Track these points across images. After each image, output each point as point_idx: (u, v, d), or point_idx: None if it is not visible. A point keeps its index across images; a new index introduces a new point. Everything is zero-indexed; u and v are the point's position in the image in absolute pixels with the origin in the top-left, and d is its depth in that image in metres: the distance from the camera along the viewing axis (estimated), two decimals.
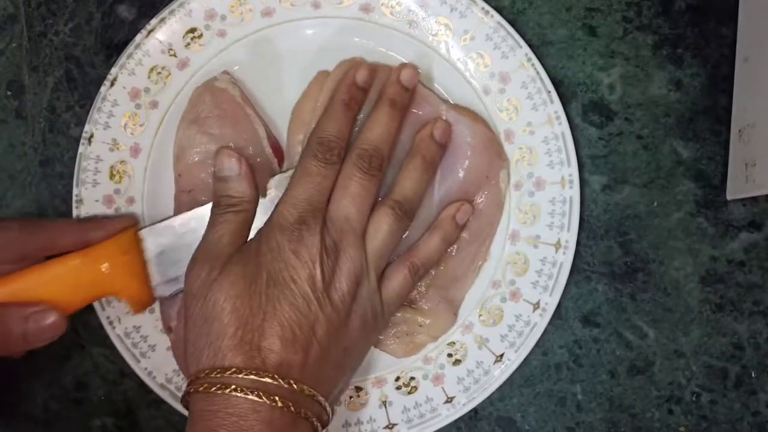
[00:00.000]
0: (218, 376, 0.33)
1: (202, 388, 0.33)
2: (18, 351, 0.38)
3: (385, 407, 0.41)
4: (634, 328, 0.42)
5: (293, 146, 0.41)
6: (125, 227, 0.39)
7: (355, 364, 0.39)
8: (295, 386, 0.33)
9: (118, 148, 0.42)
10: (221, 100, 0.41)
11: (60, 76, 0.44)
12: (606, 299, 0.43)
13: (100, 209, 0.42)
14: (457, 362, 0.41)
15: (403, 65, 0.40)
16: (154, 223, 0.40)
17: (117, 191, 0.42)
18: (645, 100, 0.43)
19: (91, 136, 0.42)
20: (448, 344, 0.42)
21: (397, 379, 0.42)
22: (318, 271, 0.35)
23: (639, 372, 0.42)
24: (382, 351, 0.42)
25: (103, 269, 0.38)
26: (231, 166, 0.38)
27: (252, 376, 0.33)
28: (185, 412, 0.42)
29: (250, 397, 0.32)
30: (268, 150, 0.41)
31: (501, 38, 0.41)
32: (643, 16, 0.43)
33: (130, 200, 0.42)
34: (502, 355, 0.41)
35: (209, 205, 0.39)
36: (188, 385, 0.34)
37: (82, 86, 0.44)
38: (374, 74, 0.40)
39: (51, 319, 0.37)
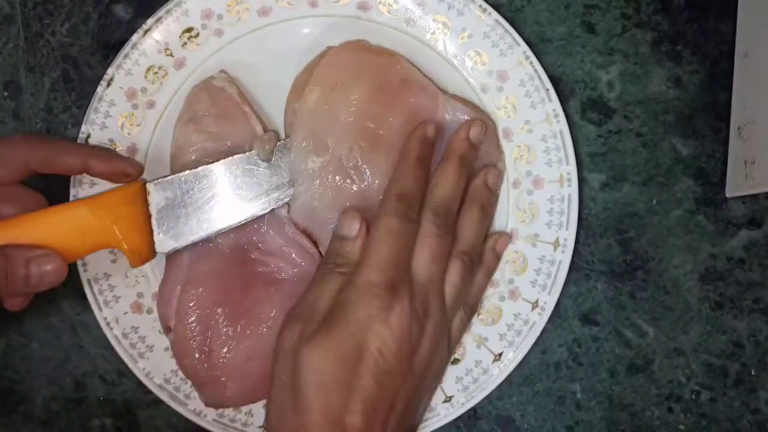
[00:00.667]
0: None
1: None
2: (18, 293, 0.37)
3: None
4: (634, 326, 0.42)
5: (289, 114, 0.42)
6: (126, 171, 0.39)
7: (420, 417, 0.40)
8: None
9: (115, 149, 0.42)
10: (218, 99, 0.41)
11: (57, 76, 0.44)
12: (605, 297, 0.42)
13: None
14: (455, 361, 0.41)
15: (471, 122, 0.40)
16: (161, 177, 0.40)
17: None
18: (644, 97, 0.43)
19: (88, 136, 0.42)
20: None
21: None
22: (406, 343, 0.35)
23: (638, 370, 0.42)
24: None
25: (107, 221, 0.38)
26: (351, 226, 0.37)
27: None
28: (184, 413, 0.42)
29: None
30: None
31: (499, 36, 0.41)
32: (641, 12, 0.43)
33: None
34: (500, 354, 0.41)
35: (216, 163, 0.40)
36: None
37: (79, 87, 0.44)
38: (441, 128, 0.40)
39: (53, 263, 0.37)
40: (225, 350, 0.40)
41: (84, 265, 0.42)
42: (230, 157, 0.40)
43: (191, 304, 0.40)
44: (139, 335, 0.42)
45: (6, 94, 0.45)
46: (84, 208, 0.38)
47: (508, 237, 0.41)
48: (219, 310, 0.40)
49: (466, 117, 0.41)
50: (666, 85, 0.42)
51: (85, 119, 0.42)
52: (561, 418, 0.43)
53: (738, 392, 0.42)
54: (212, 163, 0.40)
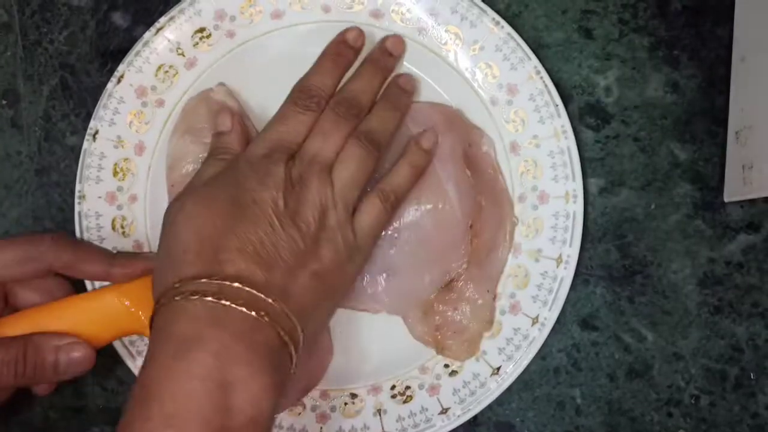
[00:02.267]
0: (177, 287, 0.33)
1: (164, 302, 0.33)
2: (47, 381, 0.38)
3: (380, 415, 0.41)
4: (633, 331, 0.42)
5: None
6: (151, 268, 0.39)
7: (331, 294, 0.37)
8: (256, 293, 0.33)
9: (122, 146, 0.42)
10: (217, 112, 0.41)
11: (55, 84, 0.44)
12: (604, 302, 0.42)
13: (103, 206, 0.42)
14: (453, 373, 0.41)
15: (390, 35, 0.41)
16: None
17: (120, 188, 0.42)
18: (641, 102, 0.43)
19: (96, 132, 0.42)
20: None
21: (393, 387, 0.42)
22: (281, 198, 0.35)
23: (638, 375, 0.42)
24: (446, 357, 0.41)
25: (133, 308, 0.38)
26: (224, 122, 0.40)
27: (212, 281, 0.32)
28: None
29: (208, 298, 0.32)
30: None
31: (510, 50, 0.41)
32: (638, 17, 0.43)
33: (133, 198, 0.42)
34: (499, 368, 0.41)
35: None
36: (152, 314, 0.34)
37: (78, 94, 0.44)
38: (363, 36, 0.41)
39: (81, 351, 0.37)
40: None
41: None
42: None
43: None
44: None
45: (4, 102, 0.45)
46: (111, 295, 0.38)
47: (434, 132, 0.41)
48: None
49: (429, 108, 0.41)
50: (663, 89, 0.42)
51: (93, 115, 0.42)
52: (561, 424, 0.43)
53: (737, 396, 0.42)
54: None
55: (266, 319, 0.33)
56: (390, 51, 0.41)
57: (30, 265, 0.38)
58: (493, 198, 0.42)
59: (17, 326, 0.37)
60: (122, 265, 0.39)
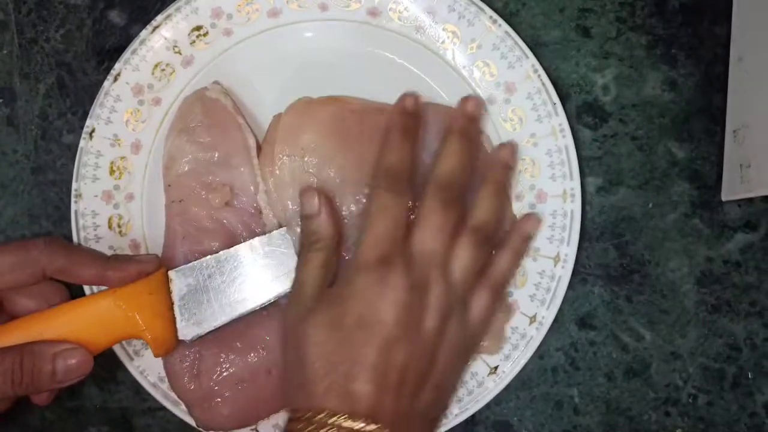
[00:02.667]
0: (312, 417, 0.33)
1: (299, 426, 0.33)
2: (45, 389, 0.37)
3: None
4: (631, 330, 0.42)
5: (266, 175, 0.41)
6: (146, 271, 0.39)
7: (448, 400, 0.38)
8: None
9: (119, 144, 0.42)
10: (212, 110, 0.41)
11: (51, 83, 0.44)
12: (602, 301, 0.42)
13: (99, 204, 0.42)
14: None
15: (466, 98, 0.40)
16: (183, 265, 0.40)
17: (116, 187, 0.42)
18: (639, 100, 0.43)
19: (93, 130, 0.42)
20: None
21: None
22: (404, 312, 0.35)
23: (636, 374, 0.42)
24: (481, 354, 0.41)
25: (130, 312, 0.38)
26: (312, 203, 0.38)
27: (346, 421, 0.32)
28: (177, 413, 0.42)
29: None
30: (255, 161, 0.41)
31: (508, 48, 0.41)
32: (636, 16, 0.43)
33: (130, 197, 0.42)
34: (496, 368, 0.41)
35: (238, 246, 0.40)
36: (288, 422, 0.34)
37: (74, 93, 0.44)
38: (420, 100, 0.40)
39: (78, 357, 0.37)
40: (216, 374, 0.40)
41: None
42: (252, 240, 0.40)
43: None
44: None
45: (0, 100, 0.44)
46: (107, 299, 0.38)
47: (537, 218, 0.40)
48: (210, 334, 0.40)
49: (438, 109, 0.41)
50: (661, 88, 0.42)
51: (90, 113, 0.42)
52: (559, 423, 0.43)
53: (735, 395, 0.42)
54: (231, 247, 0.40)
55: None
56: (473, 115, 0.40)
57: (24, 271, 0.38)
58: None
59: (13, 335, 0.37)
60: (117, 268, 0.39)
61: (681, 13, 0.42)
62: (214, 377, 0.40)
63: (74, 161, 0.42)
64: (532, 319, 0.41)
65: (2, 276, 0.38)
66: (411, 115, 0.39)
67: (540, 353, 0.42)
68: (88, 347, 0.37)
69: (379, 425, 0.33)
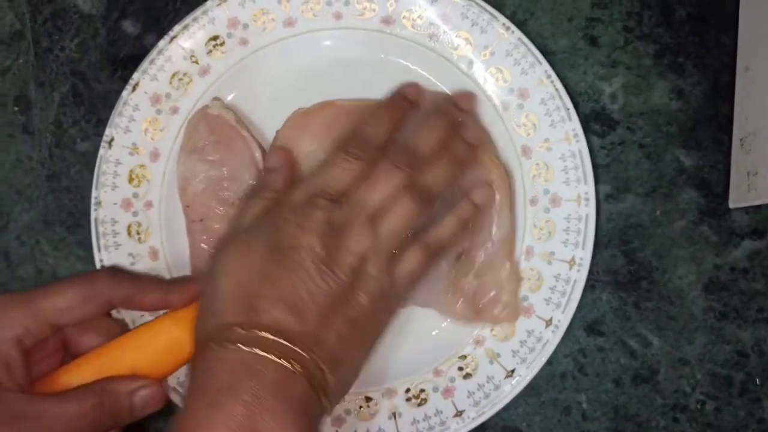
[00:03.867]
0: (214, 334, 0.33)
1: (201, 349, 0.33)
2: (124, 425, 0.37)
3: (395, 418, 0.42)
4: (639, 336, 0.43)
5: None
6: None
7: (365, 341, 0.37)
8: (288, 344, 0.33)
9: (137, 153, 0.43)
10: (216, 127, 0.42)
11: (66, 91, 0.45)
12: (610, 308, 0.43)
13: (118, 212, 0.42)
14: (467, 376, 0.41)
15: (464, 92, 0.41)
16: None
17: (135, 195, 0.43)
18: (647, 109, 0.43)
19: (112, 139, 0.42)
20: (459, 357, 0.42)
21: (408, 390, 0.42)
22: (319, 245, 0.35)
23: (644, 380, 0.43)
24: (495, 324, 0.41)
25: (191, 333, 0.37)
26: (274, 159, 0.40)
27: (248, 330, 0.33)
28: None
29: (243, 347, 0.32)
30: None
31: (521, 54, 0.41)
32: (643, 25, 0.43)
33: (148, 204, 0.43)
34: (513, 371, 0.41)
35: None
36: (191, 358, 0.34)
37: (88, 101, 0.45)
38: (422, 92, 0.41)
39: (153, 390, 0.37)
40: None
41: (100, 261, 0.42)
42: None
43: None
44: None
45: (16, 108, 0.45)
46: (167, 324, 0.38)
47: (490, 189, 0.40)
48: None
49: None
50: (668, 96, 0.43)
51: (109, 122, 0.42)
52: (567, 429, 0.43)
53: (743, 402, 0.42)
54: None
55: (298, 369, 0.33)
56: (461, 106, 0.41)
57: (90, 304, 0.37)
58: (478, 176, 0.41)
59: (82, 374, 0.37)
60: (179, 291, 0.39)
61: (688, 23, 0.43)
62: None
63: (88, 168, 0.43)
64: (548, 323, 0.41)
65: (71, 311, 0.37)
66: (406, 99, 0.40)
67: (549, 359, 0.42)
68: (156, 375, 0.37)
69: (279, 339, 0.33)
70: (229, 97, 0.43)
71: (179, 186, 0.42)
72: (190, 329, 0.37)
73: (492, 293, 0.41)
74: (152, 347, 0.38)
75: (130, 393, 0.36)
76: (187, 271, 0.42)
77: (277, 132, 0.42)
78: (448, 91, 0.42)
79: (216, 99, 0.42)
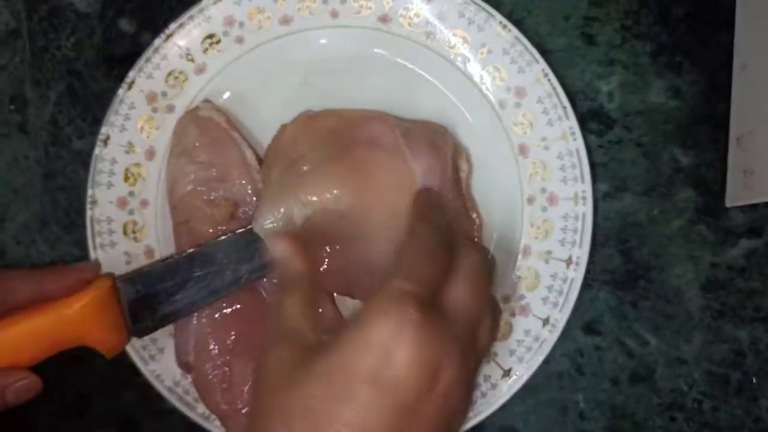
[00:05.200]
0: None
1: None
2: None
3: None
4: (636, 335, 0.43)
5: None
6: (84, 279, 0.38)
7: None
8: None
9: (133, 151, 0.42)
10: (206, 129, 0.41)
11: (62, 90, 0.45)
12: (607, 307, 0.43)
13: (114, 211, 0.42)
14: None
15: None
16: (131, 272, 0.40)
17: (131, 193, 0.42)
18: (644, 107, 0.43)
19: (107, 138, 0.42)
20: None
21: None
22: (429, 374, 0.29)
23: (641, 379, 0.42)
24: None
25: (78, 322, 0.37)
26: (277, 248, 0.37)
27: None
28: (192, 417, 0.42)
29: None
30: (255, 173, 0.41)
31: (518, 53, 0.41)
32: (641, 24, 0.43)
33: (144, 203, 0.43)
34: (509, 370, 0.41)
35: (188, 251, 0.40)
36: None
37: (84, 100, 0.45)
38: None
39: (28, 382, 0.36)
40: (247, 384, 0.40)
41: (96, 260, 0.42)
42: (201, 245, 0.40)
43: (209, 338, 0.40)
44: (150, 338, 0.42)
45: (12, 107, 0.45)
46: (52, 315, 0.37)
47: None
48: (237, 344, 0.40)
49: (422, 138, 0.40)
50: (666, 95, 0.43)
51: (104, 121, 0.42)
52: (564, 428, 0.43)
53: (740, 401, 0.42)
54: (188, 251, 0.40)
55: None
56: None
57: None
58: (460, 220, 0.41)
59: None
60: (53, 281, 0.37)
61: (685, 22, 0.43)
62: (245, 388, 0.40)
63: (84, 167, 0.43)
64: (545, 322, 0.41)
65: None
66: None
67: (546, 359, 0.42)
68: (32, 360, 0.37)
69: None
70: (225, 96, 0.43)
71: (167, 188, 0.42)
72: (76, 321, 0.36)
73: None
74: (31, 335, 0.37)
75: (2, 389, 0.36)
76: None
77: (284, 126, 0.41)
78: (445, 90, 0.42)
79: (206, 101, 0.42)
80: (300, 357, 0.30)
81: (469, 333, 0.31)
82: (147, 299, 0.39)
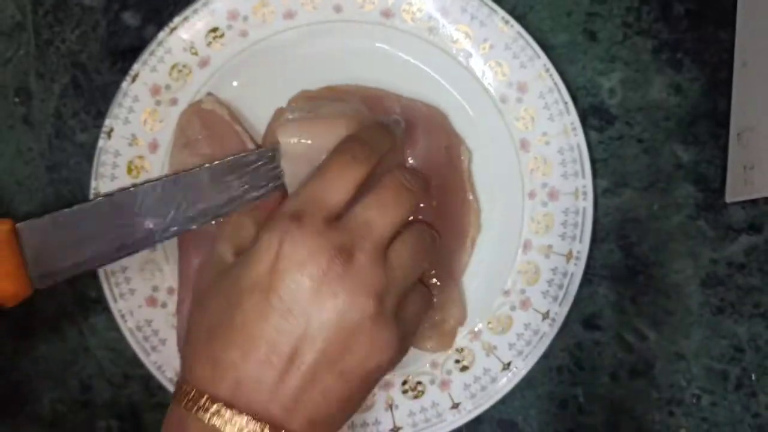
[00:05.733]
0: (182, 390, 0.31)
1: (174, 402, 0.32)
2: None
3: (391, 410, 0.42)
4: (635, 330, 0.43)
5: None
6: None
7: (356, 395, 0.32)
8: (252, 421, 0.29)
9: (136, 144, 0.43)
10: (209, 122, 0.42)
11: (66, 82, 0.45)
12: (607, 302, 0.43)
13: None
14: (464, 368, 0.42)
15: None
16: (32, 219, 0.37)
17: (134, 186, 0.43)
18: (645, 104, 0.43)
19: (111, 130, 0.42)
20: (456, 350, 0.42)
21: (404, 383, 0.42)
22: (307, 280, 0.30)
23: (640, 374, 0.43)
24: (427, 350, 0.41)
25: None
26: (248, 229, 0.36)
27: (205, 399, 0.30)
28: None
29: (207, 417, 0.30)
30: None
31: (520, 48, 0.41)
32: (642, 20, 0.43)
33: None
34: (509, 364, 0.41)
35: (95, 201, 0.38)
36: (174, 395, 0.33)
37: (88, 92, 0.45)
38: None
39: None
40: None
41: None
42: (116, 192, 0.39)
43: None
44: (152, 329, 0.42)
45: (17, 100, 0.45)
46: None
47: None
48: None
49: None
50: (666, 92, 0.43)
51: (108, 113, 0.42)
52: (563, 422, 0.43)
53: (738, 396, 0.42)
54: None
55: None
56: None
57: None
58: (456, 204, 0.42)
59: None
60: None
61: (686, 19, 0.43)
62: None
63: (88, 159, 0.43)
64: (545, 316, 0.41)
65: None
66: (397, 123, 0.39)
67: (545, 353, 0.43)
68: None
69: (244, 415, 0.29)
70: (228, 89, 0.43)
71: None
72: None
73: (433, 323, 0.41)
74: None
75: None
76: None
77: (279, 110, 0.41)
78: (447, 85, 0.42)
79: (209, 94, 0.42)
80: (217, 278, 0.33)
81: (371, 245, 0.31)
82: (52, 247, 0.37)
